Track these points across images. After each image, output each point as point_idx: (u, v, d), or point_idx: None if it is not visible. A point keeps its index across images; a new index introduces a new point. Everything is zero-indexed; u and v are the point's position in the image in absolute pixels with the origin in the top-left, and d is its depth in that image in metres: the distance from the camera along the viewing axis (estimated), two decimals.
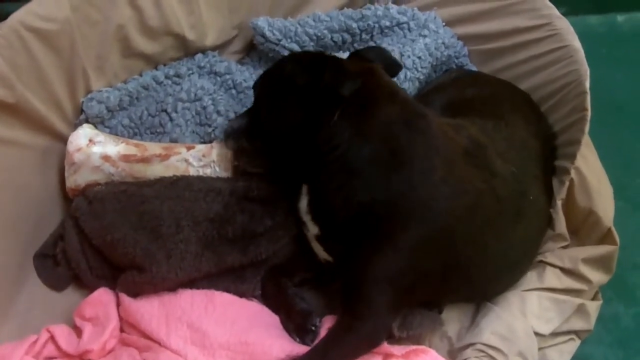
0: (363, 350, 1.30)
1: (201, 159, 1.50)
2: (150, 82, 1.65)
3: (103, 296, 1.41)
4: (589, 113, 1.50)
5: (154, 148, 1.53)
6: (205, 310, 1.36)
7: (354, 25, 1.75)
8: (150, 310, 1.36)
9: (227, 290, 1.42)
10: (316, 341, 1.33)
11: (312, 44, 1.74)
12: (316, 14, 1.79)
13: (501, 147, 1.42)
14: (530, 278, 1.47)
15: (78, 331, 1.38)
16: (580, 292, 1.48)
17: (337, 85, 1.27)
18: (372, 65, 1.38)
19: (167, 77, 1.67)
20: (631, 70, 2.24)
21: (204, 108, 1.59)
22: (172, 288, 1.39)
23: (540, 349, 1.40)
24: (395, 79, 1.61)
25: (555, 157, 1.57)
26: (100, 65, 1.57)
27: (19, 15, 1.39)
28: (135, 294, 1.39)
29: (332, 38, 1.75)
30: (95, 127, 1.57)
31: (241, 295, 1.43)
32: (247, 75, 1.72)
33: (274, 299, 1.44)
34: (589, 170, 1.53)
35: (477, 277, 1.39)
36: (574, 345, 1.46)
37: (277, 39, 1.72)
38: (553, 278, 1.47)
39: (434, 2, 1.83)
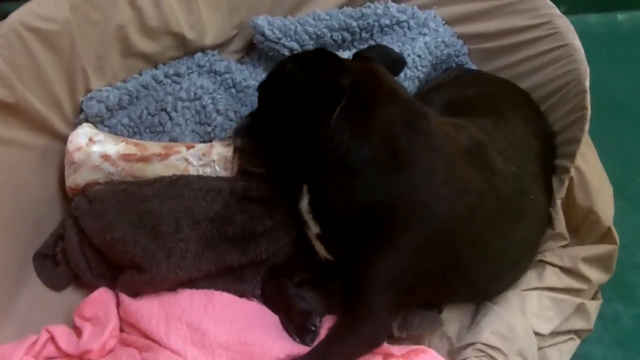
0: (363, 350, 1.30)
1: (201, 158, 1.50)
2: (149, 81, 1.65)
3: (103, 296, 1.41)
4: (588, 112, 1.49)
5: (153, 147, 1.53)
6: (205, 310, 1.36)
7: (354, 23, 1.75)
8: (150, 310, 1.36)
9: (227, 290, 1.42)
10: (316, 341, 1.33)
11: (312, 42, 1.74)
12: (316, 12, 1.78)
13: (501, 145, 1.42)
14: (530, 277, 1.47)
15: (78, 331, 1.38)
16: (580, 291, 1.48)
17: (336, 78, 1.26)
18: (372, 65, 1.38)
19: (166, 76, 1.67)
20: (631, 69, 2.24)
21: (204, 107, 1.59)
22: (172, 288, 1.39)
23: (540, 348, 1.40)
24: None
25: (555, 156, 1.57)
26: (100, 65, 1.57)
27: (19, 15, 1.39)
28: (135, 293, 1.39)
29: (332, 37, 1.75)
30: (95, 126, 1.57)
31: (241, 295, 1.43)
32: (247, 74, 1.72)
33: (274, 298, 1.44)
34: (589, 169, 1.53)
35: (477, 276, 1.39)
36: (573, 344, 1.46)
37: (277, 37, 1.72)
38: (553, 277, 1.47)
39: (433, 0, 1.83)
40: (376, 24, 1.77)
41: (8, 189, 1.42)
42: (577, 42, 1.58)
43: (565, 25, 1.61)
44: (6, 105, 1.39)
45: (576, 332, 1.47)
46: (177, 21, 1.64)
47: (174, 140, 1.57)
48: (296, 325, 1.37)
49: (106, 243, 1.41)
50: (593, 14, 2.41)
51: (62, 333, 1.35)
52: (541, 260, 1.49)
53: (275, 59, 1.76)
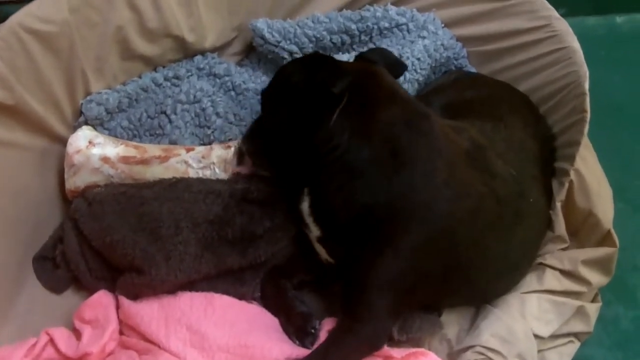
0: (364, 353, 1.30)
1: (200, 161, 1.50)
2: (149, 84, 1.65)
3: (102, 298, 1.41)
4: (588, 114, 1.49)
5: (153, 150, 1.53)
6: (205, 313, 1.36)
7: (353, 26, 1.75)
8: (149, 312, 1.35)
9: (227, 292, 1.41)
10: (316, 344, 1.33)
11: (311, 45, 1.74)
12: (315, 15, 1.79)
13: (500, 148, 1.42)
14: (530, 280, 1.47)
15: (77, 334, 1.38)
16: (580, 294, 1.48)
17: (332, 81, 1.27)
18: (373, 67, 1.38)
19: (166, 79, 1.67)
20: (630, 71, 2.24)
21: (203, 110, 1.59)
22: (172, 290, 1.39)
23: (539, 351, 1.40)
24: None
25: (555, 159, 1.57)
26: (99, 67, 1.57)
27: (18, 17, 1.39)
28: (134, 296, 1.39)
29: (331, 39, 1.75)
30: (95, 129, 1.57)
31: (241, 297, 1.43)
32: (247, 77, 1.73)
33: (274, 301, 1.44)
34: (589, 172, 1.53)
35: (477, 279, 1.39)
36: (573, 347, 1.46)
37: (276, 40, 1.72)
38: (553, 280, 1.47)
39: (433, 3, 1.83)
40: (375, 26, 1.77)
41: (7, 191, 1.42)
42: (576, 45, 1.58)
43: (564, 27, 1.61)
44: (5, 107, 1.39)
45: (576, 335, 1.47)
46: (177, 24, 1.64)
47: (173, 142, 1.57)
48: (296, 327, 1.37)
49: (106, 245, 1.40)
50: (592, 16, 2.41)
51: (61, 335, 1.35)
52: (541, 263, 1.49)
53: (274, 61, 1.76)
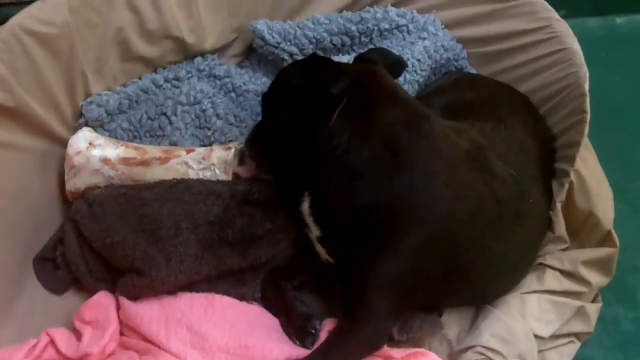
0: (364, 353, 1.30)
1: (201, 162, 1.50)
2: (149, 85, 1.65)
3: (103, 299, 1.41)
4: (588, 115, 1.49)
5: (153, 151, 1.53)
6: (205, 313, 1.36)
7: (353, 28, 1.76)
8: (149, 313, 1.35)
9: (227, 293, 1.41)
10: (316, 344, 1.33)
11: (311, 46, 1.74)
12: (315, 16, 1.79)
13: (500, 149, 1.43)
14: (530, 280, 1.47)
15: (78, 334, 1.38)
16: (580, 294, 1.48)
17: (330, 83, 1.27)
18: (373, 67, 1.38)
19: (166, 80, 1.67)
20: (630, 72, 2.24)
21: (204, 111, 1.59)
22: (172, 291, 1.39)
23: (540, 351, 1.40)
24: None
25: (555, 160, 1.57)
26: (99, 68, 1.57)
27: (18, 19, 1.40)
28: (134, 297, 1.39)
29: (331, 41, 1.76)
30: (95, 130, 1.57)
31: (241, 298, 1.43)
32: (247, 79, 1.73)
33: (274, 302, 1.44)
34: (589, 173, 1.53)
35: (478, 279, 1.39)
36: (573, 347, 1.46)
37: (276, 42, 1.72)
38: (553, 280, 1.47)
39: (433, 4, 1.83)
40: (375, 28, 1.77)
41: (8, 192, 1.42)
42: (576, 46, 1.58)
43: (564, 28, 1.62)
44: (6, 109, 1.39)
45: (576, 335, 1.47)
46: (177, 25, 1.64)
47: (173, 144, 1.58)
48: (296, 328, 1.37)
49: (106, 247, 1.40)
50: (592, 17, 2.41)
51: (62, 336, 1.35)
52: (541, 264, 1.49)
53: (274, 63, 1.76)
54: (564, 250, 1.51)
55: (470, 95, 1.63)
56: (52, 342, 1.34)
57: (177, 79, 1.68)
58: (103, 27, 1.53)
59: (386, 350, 1.32)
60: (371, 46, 1.77)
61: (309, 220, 1.35)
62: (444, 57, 1.76)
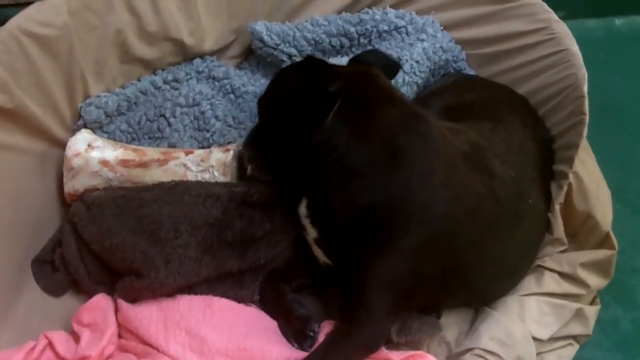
0: (362, 355, 1.30)
1: (200, 164, 1.50)
2: (148, 87, 1.65)
3: (101, 302, 1.40)
4: (587, 117, 1.50)
5: (152, 153, 1.53)
6: (204, 316, 1.36)
7: (352, 29, 1.75)
8: (148, 315, 1.35)
9: (226, 295, 1.41)
10: (314, 347, 1.33)
11: (310, 48, 1.74)
12: (314, 18, 1.79)
13: (499, 149, 1.43)
14: (529, 283, 1.47)
15: (76, 337, 1.37)
16: (579, 296, 1.48)
17: (325, 84, 1.28)
18: (368, 69, 1.39)
19: (165, 82, 1.67)
20: (629, 73, 2.24)
21: (202, 113, 1.59)
22: (171, 293, 1.39)
23: (538, 353, 1.40)
24: (393, 83, 1.62)
25: (554, 161, 1.57)
26: (98, 70, 1.57)
27: (17, 21, 1.40)
28: (133, 299, 1.39)
29: (330, 42, 1.75)
30: (94, 132, 1.57)
31: (240, 300, 1.43)
32: (246, 80, 1.73)
33: (273, 304, 1.44)
34: (587, 174, 1.53)
35: (477, 280, 1.39)
36: (572, 350, 1.46)
37: (275, 43, 1.72)
38: (551, 283, 1.47)
39: (432, 6, 1.83)
40: (374, 29, 1.77)
41: (7, 194, 1.42)
42: (575, 47, 1.58)
43: (563, 30, 1.61)
44: (5, 111, 1.39)
45: (575, 338, 1.47)
46: (176, 27, 1.64)
47: (172, 146, 1.58)
48: (295, 330, 1.37)
49: (105, 249, 1.40)
50: (591, 18, 2.41)
51: (60, 339, 1.35)
52: (540, 266, 1.49)
53: (273, 64, 1.76)
54: (562, 252, 1.51)
55: (469, 97, 1.63)
56: (50, 344, 1.34)
57: (176, 80, 1.68)
58: (102, 29, 1.53)
59: (385, 352, 1.32)
60: (370, 48, 1.76)
61: (306, 221, 1.35)
62: (442, 58, 1.76)
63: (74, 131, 1.56)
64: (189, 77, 1.69)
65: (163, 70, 1.71)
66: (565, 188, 1.51)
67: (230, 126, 1.59)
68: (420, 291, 1.32)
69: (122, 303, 1.38)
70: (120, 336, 1.38)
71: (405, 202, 1.26)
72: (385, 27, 1.77)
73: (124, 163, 1.50)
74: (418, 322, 1.39)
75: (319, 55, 1.76)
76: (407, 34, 1.77)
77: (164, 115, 1.59)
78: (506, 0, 1.72)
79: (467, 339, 1.40)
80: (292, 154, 1.34)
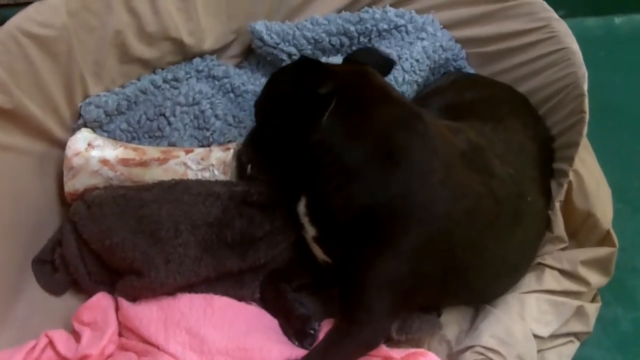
0: (361, 354, 1.30)
1: (200, 163, 1.50)
2: (148, 86, 1.65)
3: (101, 301, 1.40)
4: (587, 116, 1.49)
5: (152, 152, 1.53)
6: (204, 314, 1.36)
7: (352, 28, 1.75)
8: (148, 314, 1.35)
9: (226, 294, 1.41)
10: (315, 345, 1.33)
11: (310, 47, 1.74)
12: (314, 17, 1.79)
13: (499, 149, 1.42)
14: (529, 280, 1.47)
15: (77, 336, 1.37)
16: (579, 294, 1.48)
17: (318, 85, 1.28)
18: (362, 67, 1.39)
19: (165, 81, 1.67)
20: (629, 72, 2.24)
21: (202, 112, 1.60)
22: (171, 292, 1.39)
23: (539, 351, 1.40)
24: (393, 82, 1.63)
25: (554, 160, 1.57)
26: (97, 70, 1.57)
27: (16, 21, 1.40)
28: (133, 298, 1.39)
29: (330, 41, 1.75)
30: (94, 131, 1.57)
31: (240, 299, 1.42)
32: (245, 79, 1.73)
33: (273, 303, 1.43)
34: (588, 173, 1.53)
35: (476, 279, 1.39)
36: (572, 347, 1.46)
37: (275, 42, 1.72)
38: (552, 280, 1.47)
39: (431, 5, 1.83)
40: (374, 28, 1.77)
41: (7, 194, 1.42)
42: (575, 46, 1.58)
43: (563, 28, 1.61)
44: (4, 111, 1.39)
45: (575, 335, 1.47)
46: (176, 27, 1.64)
47: (172, 144, 1.58)
48: (295, 329, 1.37)
49: (105, 248, 1.40)
50: (591, 17, 2.40)
51: (60, 338, 1.35)
52: (540, 264, 1.49)
53: (273, 63, 1.76)
54: (562, 250, 1.51)
55: (469, 96, 1.63)
56: (51, 343, 1.34)
57: (176, 79, 1.68)
58: (101, 30, 1.53)
59: (385, 350, 1.32)
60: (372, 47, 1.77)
61: (305, 220, 1.35)
62: (442, 57, 1.76)
63: (73, 131, 1.56)
64: (188, 76, 1.69)
65: (163, 69, 1.71)
66: (565, 186, 1.51)
67: (230, 125, 1.59)
68: (420, 291, 1.32)
69: (122, 302, 1.38)
70: (120, 335, 1.38)
71: (405, 201, 1.26)
72: (385, 26, 1.76)
73: (124, 162, 1.50)
74: (418, 320, 1.39)
75: (318, 54, 1.76)
76: (407, 32, 1.77)
77: (164, 114, 1.59)
78: None
79: (467, 337, 1.40)
80: (290, 154, 1.34)
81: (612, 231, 1.50)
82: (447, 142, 1.33)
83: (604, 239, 1.51)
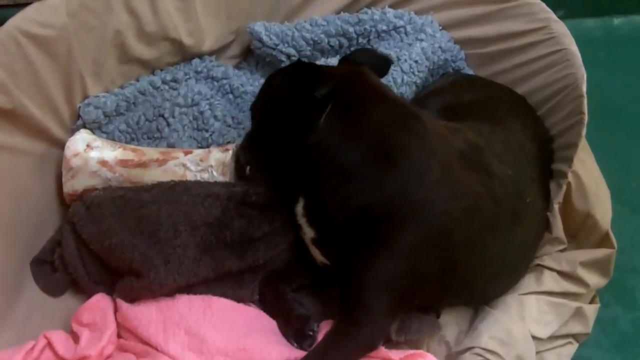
0: (360, 355, 1.29)
1: (199, 164, 1.50)
2: (147, 87, 1.65)
3: (101, 302, 1.40)
4: (585, 117, 1.50)
5: (151, 153, 1.53)
6: (203, 315, 1.36)
7: (351, 29, 1.76)
8: (148, 315, 1.35)
9: (225, 295, 1.41)
10: (314, 346, 1.33)
11: (309, 48, 1.74)
12: (313, 18, 1.79)
13: (498, 149, 1.42)
14: (528, 281, 1.47)
15: (75, 337, 1.37)
16: (578, 295, 1.48)
17: (315, 88, 1.28)
18: (358, 68, 1.39)
19: (164, 82, 1.67)
20: (628, 73, 2.24)
21: (201, 113, 1.60)
22: (170, 293, 1.38)
23: (538, 352, 1.40)
24: (392, 83, 1.63)
25: (553, 161, 1.57)
26: (97, 71, 1.57)
27: (16, 21, 1.40)
28: (132, 299, 1.38)
29: (329, 42, 1.76)
30: (93, 132, 1.57)
31: (239, 300, 1.42)
32: (244, 80, 1.73)
33: (272, 304, 1.43)
34: (587, 174, 1.53)
35: (475, 279, 1.39)
36: (572, 348, 1.46)
37: (274, 43, 1.72)
38: (551, 281, 1.47)
39: (430, 6, 1.83)
40: (373, 29, 1.77)
41: (6, 195, 1.42)
42: (573, 47, 1.58)
43: (562, 30, 1.62)
44: (4, 112, 1.39)
45: (574, 336, 1.47)
46: (175, 27, 1.64)
47: (171, 146, 1.58)
48: (294, 330, 1.37)
49: (104, 249, 1.40)
50: (590, 18, 2.41)
51: (59, 339, 1.35)
52: (539, 265, 1.49)
53: (272, 64, 1.76)
54: (562, 251, 1.51)
55: (468, 97, 1.63)
56: (49, 344, 1.34)
57: (175, 80, 1.68)
58: (101, 30, 1.53)
59: (384, 351, 1.31)
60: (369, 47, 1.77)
61: (302, 221, 1.35)
62: (441, 58, 1.76)
63: (72, 131, 1.56)
64: (187, 77, 1.69)
65: (162, 70, 1.71)
66: (564, 187, 1.51)
67: (229, 126, 1.59)
68: (418, 291, 1.32)
69: (121, 303, 1.38)
70: (119, 336, 1.38)
71: (403, 201, 1.26)
72: (384, 27, 1.77)
73: (123, 163, 1.50)
74: (417, 321, 1.39)
75: (317, 55, 1.76)
76: (405, 33, 1.77)
77: (162, 115, 1.59)
78: None
79: (466, 338, 1.40)
80: (288, 156, 1.34)
81: (611, 232, 1.50)
82: (445, 142, 1.33)
83: (603, 240, 1.51)
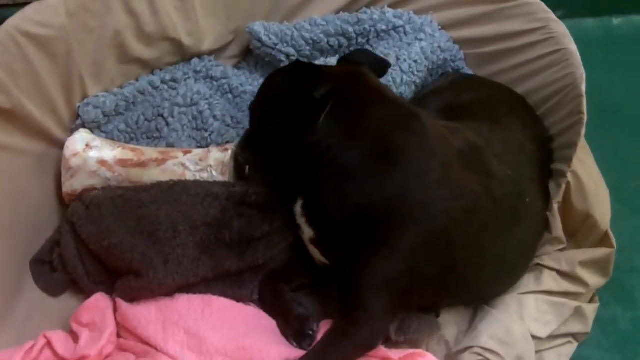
0: (360, 354, 1.30)
1: (198, 163, 1.50)
2: (146, 87, 1.65)
3: (100, 301, 1.40)
4: (585, 116, 1.50)
5: (150, 153, 1.53)
6: (202, 315, 1.36)
7: (350, 29, 1.76)
8: (147, 315, 1.35)
9: (224, 295, 1.41)
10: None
11: (308, 48, 1.74)
12: (312, 18, 1.79)
13: (497, 149, 1.42)
14: (528, 281, 1.47)
15: (75, 337, 1.37)
16: (578, 295, 1.48)
17: (314, 88, 1.28)
18: (357, 68, 1.39)
19: (163, 81, 1.67)
20: (627, 73, 2.25)
21: (201, 113, 1.60)
22: (169, 293, 1.38)
23: (537, 352, 1.40)
24: (391, 83, 1.63)
25: (552, 161, 1.57)
26: (96, 71, 1.57)
27: (15, 21, 1.40)
28: (132, 299, 1.38)
29: (328, 42, 1.76)
30: (92, 132, 1.57)
31: (238, 300, 1.42)
32: (244, 80, 1.73)
33: (272, 304, 1.43)
34: (586, 174, 1.53)
35: (475, 279, 1.39)
36: (571, 348, 1.46)
37: (273, 43, 1.72)
38: (550, 281, 1.47)
39: (430, 5, 1.83)
40: (372, 29, 1.77)
41: (5, 195, 1.42)
42: (573, 47, 1.58)
43: (561, 29, 1.62)
44: (3, 112, 1.39)
45: (574, 336, 1.47)
46: (174, 27, 1.64)
47: (170, 145, 1.58)
48: (294, 330, 1.37)
49: (103, 248, 1.40)
50: (589, 18, 2.41)
51: (59, 338, 1.35)
52: (539, 264, 1.49)
53: (271, 64, 1.76)
54: (561, 250, 1.51)
55: (467, 97, 1.63)
56: (49, 344, 1.34)
57: (174, 80, 1.68)
58: (100, 30, 1.53)
59: (384, 351, 1.31)
60: (368, 47, 1.77)
61: (301, 221, 1.35)
62: (441, 58, 1.76)
63: (72, 131, 1.56)
64: (186, 76, 1.69)
65: (161, 70, 1.71)
66: (563, 187, 1.51)
67: (228, 126, 1.59)
68: (417, 290, 1.32)
69: (120, 302, 1.38)
70: (119, 336, 1.38)
71: (402, 201, 1.26)
72: (384, 27, 1.77)
73: (122, 163, 1.50)
74: (417, 320, 1.39)
75: (317, 55, 1.76)
76: (405, 33, 1.77)
77: (162, 115, 1.59)
78: None
79: (466, 338, 1.40)
80: (287, 156, 1.34)
81: (610, 232, 1.50)
82: (444, 142, 1.33)
83: (603, 240, 1.51)
